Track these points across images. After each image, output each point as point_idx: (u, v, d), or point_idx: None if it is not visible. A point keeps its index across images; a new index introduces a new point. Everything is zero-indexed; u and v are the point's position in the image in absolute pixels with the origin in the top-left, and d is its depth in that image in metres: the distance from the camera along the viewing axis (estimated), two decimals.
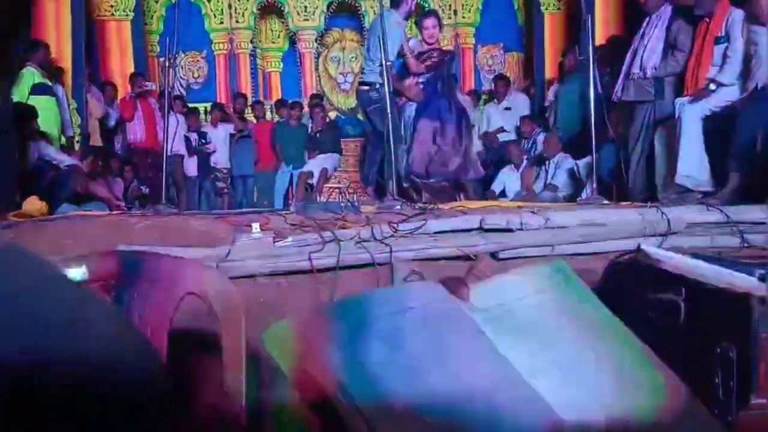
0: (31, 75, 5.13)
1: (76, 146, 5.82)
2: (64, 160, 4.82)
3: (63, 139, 5.45)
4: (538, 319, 1.47)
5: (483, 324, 1.40)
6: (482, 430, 1.17)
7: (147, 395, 0.78)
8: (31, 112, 4.74)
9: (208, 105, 8.15)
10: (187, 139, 7.16)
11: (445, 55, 5.06)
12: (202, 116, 7.88)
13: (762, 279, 1.63)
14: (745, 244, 2.48)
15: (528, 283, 1.55)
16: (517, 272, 1.60)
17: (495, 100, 7.04)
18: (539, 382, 1.28)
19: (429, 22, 4.85)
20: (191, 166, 7.29)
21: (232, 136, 7.55)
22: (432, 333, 1.32)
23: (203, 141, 7.31)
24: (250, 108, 8.24)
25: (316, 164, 7.11)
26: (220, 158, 7.55)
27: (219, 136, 7.49)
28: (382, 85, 4.43)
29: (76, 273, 1.29)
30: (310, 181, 7.21)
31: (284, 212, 2.95)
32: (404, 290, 1.40)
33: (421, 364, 1.25)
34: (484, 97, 7.90)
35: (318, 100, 7.99)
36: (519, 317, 1.46)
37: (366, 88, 4.72)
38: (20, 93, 4.99)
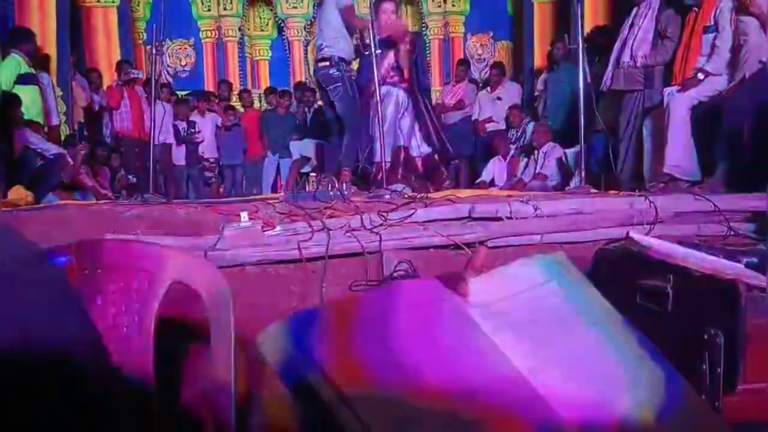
0: (17, 63, 5.04)
1: (62, 135, 5.75)
2: (50, 149, 4.76)
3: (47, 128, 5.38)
4: (538, 313, 1.46)
5: (481, 320, 1.39)
6: (479, 429, 1.17)
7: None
8: (15, 100, 4.68)
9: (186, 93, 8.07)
10: (175, 128, 7.10)
11: (414, 39, 4.94)
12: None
13: (749, 266, 1.64)
14: (732, 233, 2.50)
15: (526, 275, 1.54)
16: (515, 265, 1.59)
17: (488, 89, 7.02)
18: (539, 379, 1.28)
19: (387, 6, 4.51)
20: (179, 155, 7.24)
21: (218, 128, 7.49)
22: (429, 331, 1.31)
23: (191, 130, 7.25)
24: (237, 96, 8.18)
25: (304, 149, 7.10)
26: (208, 148, 7.49)
27: (207, 125, 7.43)
28: (342, 60, 4.20)
29: (61, 262, 1.27)
30: (303, 170, 7.19)
31: (273, 200, 2.93)
32: (400, 287, 1.39)
33: (417, 363, 1.24)
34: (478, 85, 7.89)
35: (304, 88, 7.89)
36: (519, 311, 1.46)
37: (325, 64, 4.25)
38: (5, 80, 4.91)
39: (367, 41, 4.30)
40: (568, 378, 1.31)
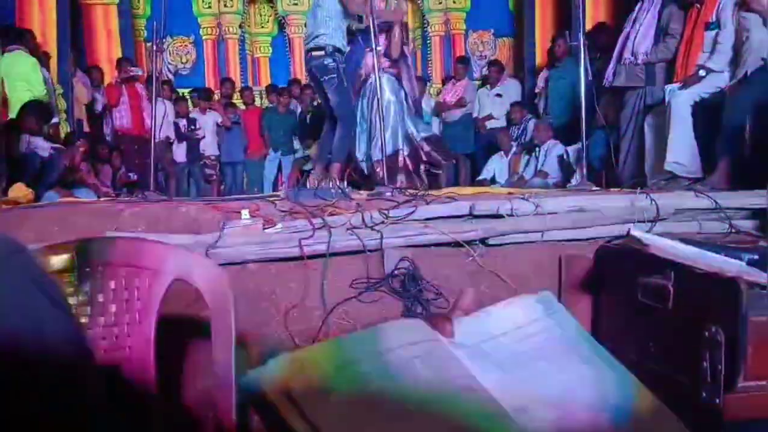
0: (32, 60, 5.06)
1: (62, 133, 5.75)
2: (44, 146, 4.75)
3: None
4: (523, 353, 1.46)
5: (468, 360, 1.39)
6: None
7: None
8: (34, 110, 4.72)
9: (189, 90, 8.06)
10: (175, 125, 7.10)
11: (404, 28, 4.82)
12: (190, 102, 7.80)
13: (750, 263, 1.64)
14: (733, 230, 2.50)
15: (513, 316, 1.54)
16: (502, 305, 1.59)
17: (487, 86, 7.03)
18: (525, 418, 1.28)
19: None
20: (180, 153, 7.24)
21: (219, 126, 7.48)
22: (414, 373, 1.30)
23: (192, 127, 7.25)
24: (238, 93, 8.18)
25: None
26: (209, 145, 7.49)
27: (207, 122, 7.43)
28: (338, 50, 4.04)
29: (62, 260, 1.27)
30: (305, 168, 7.18)
31: (274, 198, 2.93)
32: (386, 329, 1.38)
33: (404, 403, 1.24)
34: (477, 82, 7.88)
35: (304, 85, 7.85)
36: (504, 352, 1.45)
37: (320, 53, 4.05)
38: (28, 75, 4.95)
39: (356, 26, 4.24)
40: (554, 416, 1.31)
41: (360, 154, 4.55)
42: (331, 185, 3.20)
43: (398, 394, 1.24)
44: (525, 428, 1.24)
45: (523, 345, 1.47)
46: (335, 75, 4.03)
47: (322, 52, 4.05)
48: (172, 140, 7.04)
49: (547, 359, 1.44)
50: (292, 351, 1.51)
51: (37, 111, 4.72)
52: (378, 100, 3.76)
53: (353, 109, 4.33)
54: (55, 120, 5.53)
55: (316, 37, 4.11)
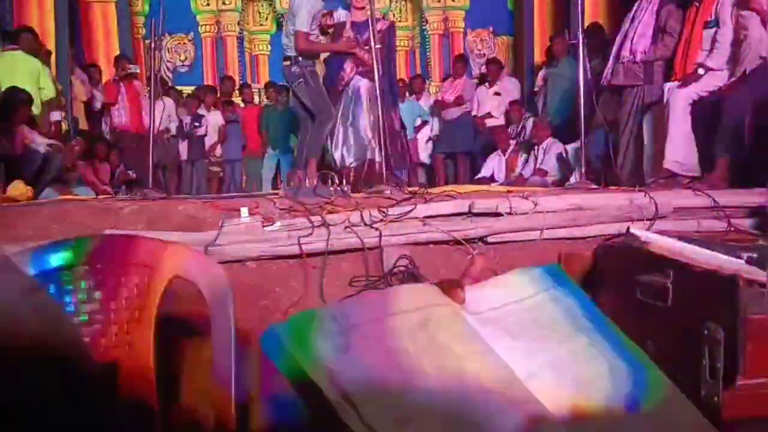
0: (34, 60, 5.06)
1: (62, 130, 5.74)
2: (41, 141, 4.74)
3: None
4: (532, 321, 1.47)
5: (478, 326, 1.40)
6: (477, 428, 1.18)
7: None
8: (28, 98, 4.70)
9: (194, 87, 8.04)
10: (180, 123, 7.09)
11: (388, 25, 4.86)
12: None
13: (749, 262, 1.64)
14: (731, 228, 2.50)
15: (522, 285, 1.55)
16: (511, 274, 1.60)
17: (486, 84, 7.02)
18: (534, 383, 1.29)
19: None
20: (182, 150, 7.23)
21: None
22: (427, 335, 1.31)
23: (196, 124, 7.23)
24: (237, 91, 8.17)
25: None
26: (214, 143, 7.49)
27: (212, 120, 7.42)
28: (302, 57, 4.29)
29: (61, 257, 1.27)
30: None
31: (273, 196, 2.93)
32: (400, 292, 1.40)
33: (418, 364, 1.25)
34: (475, 80, 7.88)
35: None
36: (514, 319, 1.47)
37: (287, 63, 4.43)
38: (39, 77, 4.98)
39: (330, 22, 4.50)
40: (562, 382, 1.32)
41: (337, 155, 4.59)
42: (315, 183, 3.18)
43: (413, 355, 1.25)
44: (534, 393, 1.26)
45: (533, 313, 1.48)
46: (301, 79, 4.33)
47: (289, 62, 4.39)
48: (170, 136, 7.03)
49: (557, 328, 1.45)
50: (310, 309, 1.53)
51: (26, 100, 4.70)
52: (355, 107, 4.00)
53: (329, 102, 4.41)
54: (56, 117, 5.53)
55: (287, 49, 4.45)
